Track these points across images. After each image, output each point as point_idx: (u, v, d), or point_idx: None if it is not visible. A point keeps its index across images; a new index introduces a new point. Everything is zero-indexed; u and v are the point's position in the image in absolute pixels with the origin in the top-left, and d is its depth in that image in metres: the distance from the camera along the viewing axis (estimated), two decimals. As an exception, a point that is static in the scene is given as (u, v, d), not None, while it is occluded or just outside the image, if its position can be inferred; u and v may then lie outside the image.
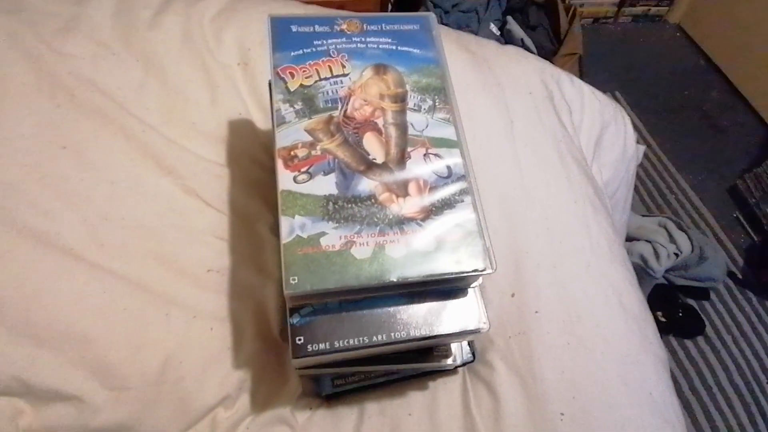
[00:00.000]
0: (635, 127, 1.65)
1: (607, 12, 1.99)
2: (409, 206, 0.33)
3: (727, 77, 1.83)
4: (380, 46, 0.38)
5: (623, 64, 1.89)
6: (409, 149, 0.35)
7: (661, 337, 1.23)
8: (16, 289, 0.37)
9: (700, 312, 1.25)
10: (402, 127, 0.36)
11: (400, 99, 0.37)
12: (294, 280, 0.29)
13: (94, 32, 0.52)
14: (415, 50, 0.39)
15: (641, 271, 1.21)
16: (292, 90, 0.36)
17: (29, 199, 0.41)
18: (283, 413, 0.43)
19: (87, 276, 0.39)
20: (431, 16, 0.41)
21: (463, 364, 0.45)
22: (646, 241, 1.26)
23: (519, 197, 0.53)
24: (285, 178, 0.33)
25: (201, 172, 0.48)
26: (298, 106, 0.35)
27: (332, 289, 0.30)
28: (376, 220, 0.32)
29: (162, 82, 0.52)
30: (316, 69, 0.37)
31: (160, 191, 0.46)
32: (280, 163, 0.33)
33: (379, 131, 0.36)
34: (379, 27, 0.39)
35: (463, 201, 0.34)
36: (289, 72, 0.36)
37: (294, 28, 0.38)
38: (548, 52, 1.25)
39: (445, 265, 0.32)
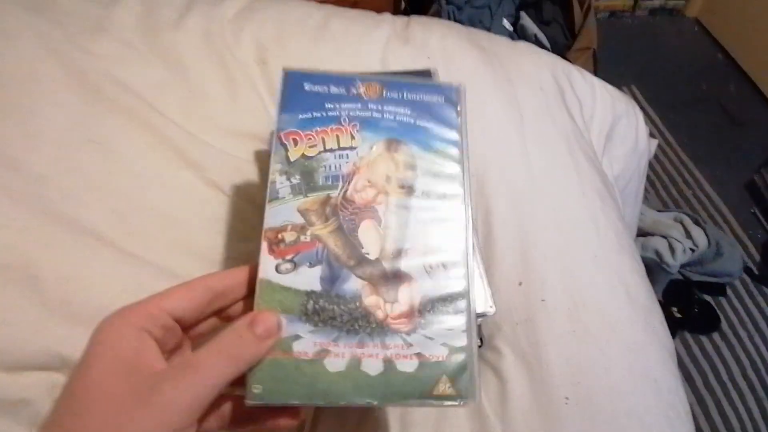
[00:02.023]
0: (651, 121, 1.64)
1: (624, 5, 1.98)
2: (395, 314, 0.29)
3: (745, 72, 1.80)
4: (397, 117, 0.34)
5: (640, 58, 1.87)
6: (406, 246, 0.31)
7: (676, 333, 1.23)
8: (54, 271, 0.40)
9: (715, 307, 1.25)
10: (403, 218, 0.32)
11: (408, 184, 0.33)
12: (257, 389, 0.27)
13: (120, 32, 0.55)
14: (434, 127, 0.34)
15: (656, 266, 1.21)
16: (292, 160, 0.32)
17: (63, 190, 0.44)
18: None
19: (117, 261, 0.42)
20: (460, 88, 0.36)
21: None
22: (662, 236, 1.25)
23: (527, 190, 0.54)
24: (267, 266, 0.29)
25: (221, 164, 0.50)
26: (296, 180, 0.31)
27: (297, 404, 0.28)
28: (357, 327, 0.29)
29: (184, 79, 0.54)
30: (322, 137, 0.33)
31: (183, 182, 0.49)
32: (264, 247, 0.30)
33: (378, 220, 0.32)
34: (400, 94, 0.35)
35: (455, 315, 0.30)
36: (293, 138, 0.32)
37: (307, 87, 0.34)
38: (562, 47, 1.25)
39: (422, 391, 0.28)
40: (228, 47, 0.59)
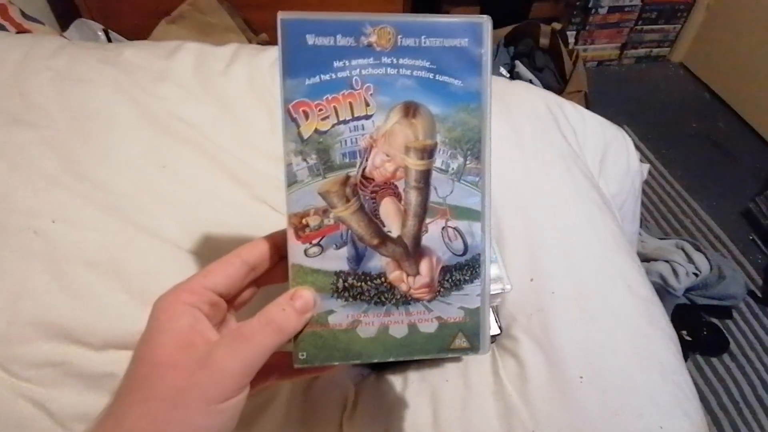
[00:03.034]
0: (646, 158, 1.74)
1: (611, 55, 2.14)
2: (417, 286, 0.32)
3: (732, 108, 1.92)
4: (415, 72, 0.30)
5: (630, 101, 2.00)
6: (427, 221, 0.31)
7: (688, 356, 1.26)
8: (137, 266, 0.47)
9: (723, 330, 1.28)
10: (424, 192, 0.31)
11: (428, 155, 0.31)
12: (303, 356, 0.30)
13: (179, 80, 0.65)
14: (455, 81, 0.31)
15: (661, 290, 1.26)
16: (305, 137, 0.29)
17: (140, 205, 0.52)
18: (339, 378, 0.51)
19: (185, 260, 0.50)
20: (485, 22, 0.31)
21: (491, 337, 0.53)
22: (665, 261, 1.30)
23: (531, 199, 0.62)
24: (296, 251, 0.30)
25: (265, 183, 0.59)
26: (312, 160, 0.30)
27: (337, 364, 0.32)
28: (383, 299, 0.31)
29: (233, 115, 0.64)
30: (334, 107, 0.30)
31: (235, 198, 0.57)
32: (290, 233, 0.30)
33: (398, 196, 0.31)
34: (417, 41, 0.30)
35: (472, 283, 0.32)
36: (303, 110, 0.29)
37: (310, 40, 0.29)
38: (555, 91, 1.36)
39: (441, 346, 0.32)
40: (267, 89, 0.68)
